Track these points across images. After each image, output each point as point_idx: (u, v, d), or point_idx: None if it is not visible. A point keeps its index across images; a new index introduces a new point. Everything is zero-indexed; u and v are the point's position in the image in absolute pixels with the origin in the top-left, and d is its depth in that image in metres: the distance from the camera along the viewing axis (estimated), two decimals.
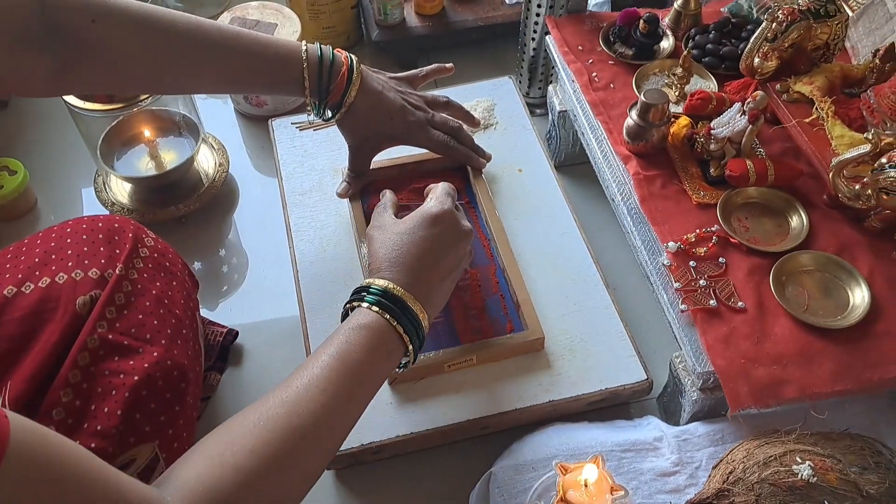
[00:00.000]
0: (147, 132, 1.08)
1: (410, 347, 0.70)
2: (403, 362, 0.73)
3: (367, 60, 1.35)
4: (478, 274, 0.93)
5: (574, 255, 0.96)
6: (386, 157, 0.99)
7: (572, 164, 1.16)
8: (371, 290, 0.71)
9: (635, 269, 1.01)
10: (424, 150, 0.99)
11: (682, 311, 0.78)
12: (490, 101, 1.13)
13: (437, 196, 0.80)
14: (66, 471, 0.46)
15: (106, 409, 0.71)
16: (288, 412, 0.60)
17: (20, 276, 0.74)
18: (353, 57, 0.87)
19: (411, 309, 0.70)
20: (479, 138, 1.07)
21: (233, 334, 0.97)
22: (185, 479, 0.55)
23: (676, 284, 0.80)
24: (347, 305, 0.72)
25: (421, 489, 0.85)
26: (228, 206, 1.16)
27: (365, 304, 0.70)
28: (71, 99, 1.00)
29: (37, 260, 0.76)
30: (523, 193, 1.03)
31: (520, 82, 1.25)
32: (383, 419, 0.83)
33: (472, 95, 1.14)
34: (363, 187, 1.00)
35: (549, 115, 1.14)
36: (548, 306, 0.91)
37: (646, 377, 0.85)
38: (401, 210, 0.85)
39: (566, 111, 1.08)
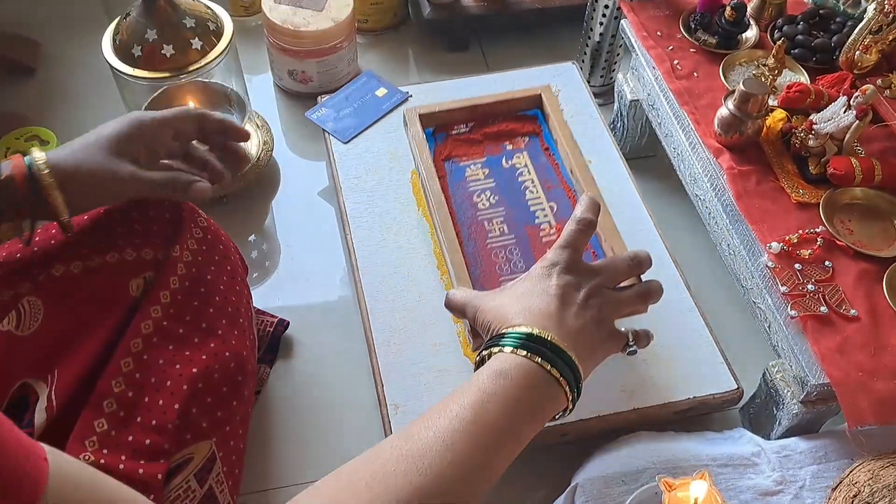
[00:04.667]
0: (192, 104, 1.00)
1: (569, 395, 0.58)
2: (559, 416, 0.60)
3: (416, 42, 1.28)
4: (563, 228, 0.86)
5: (650, 253, 0.90)
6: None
7: (637, 157, 1.10)
8: (510, 334, 0.59)
9: (713, 270, 0.95)
10: (494, 92, 0.97)
11: (792, 318, 0.72)
12: (554, 87, 1.07)
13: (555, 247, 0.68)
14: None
15: (161, 402, 0.65)
16: (407, 470, 0.50)
17: (67, 255, 0.67)
18: (33, 157, 0.62)
19: (564, 351, 0.58)
20: None
21: (284, 324, 0.90)
22: None
23: (783, 288, 0.74)
24: (479, 356, 0.61)
25: (496, 502, 0.79)
26: (272, 188, 1.09)
27: (506, 348, 0.58)
28: (118, 65, 0.93)
29: (86, 239, 0.69)
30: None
31: (580, 69, 1.18)
32: None
33: (534, 80, 1.08)
34: (435, 128, 0.95)
35: (616, 104, 1.08)
36: None
37: (736, 386, 0.79)
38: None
39: (638, 101, 1.02)
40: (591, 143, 1.01)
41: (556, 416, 0.60)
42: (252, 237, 1.03)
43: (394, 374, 0.80)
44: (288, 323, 0.91)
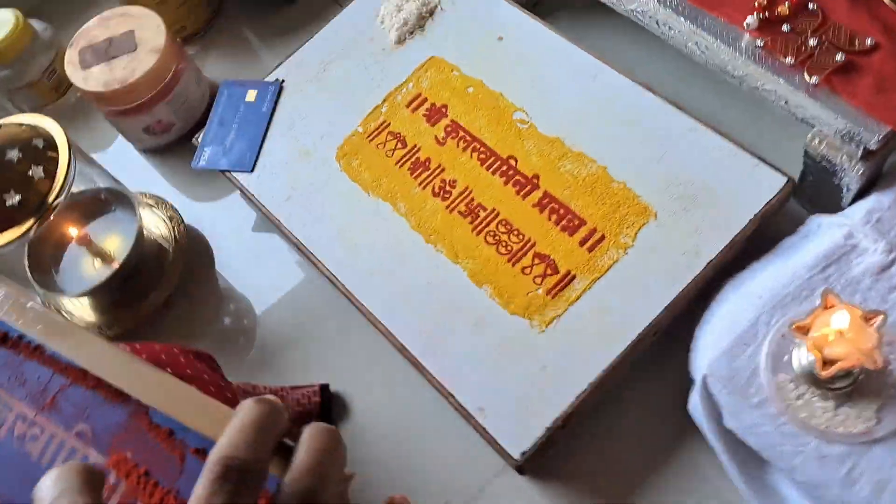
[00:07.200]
0: (72, 230, 0.85)
1: None
2: None
3: (247, 19, 1.11)
4: None
5: (621, 97, 0.80)
6: None
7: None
8: None
9: (690, 77, 0.85)
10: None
11: (815, 86, 0.63)
12: None
13: None
14: None
15: None
16: None
17: None
18: None
19: None
20: (423, 39, 0.88)
21: (325, 388, 0.79)
22: None
23: (789, 60, 0.64)
24: None
25: (625, 428, 0.72)
26: (207, 257, 0.95)
27: None
28: None
29: None
30: (520, 59, 0.85)
31: None
32: (547, 391, 0.68)
33: None
34: None
35: None
36: (630, 167, 0.75)
37: (786, 178, 0.71)
38: None
39: None
40: (495, 19, 0.88)
41: None
42: (226, 319, 0.90)
43: (455, 376, 0.70)
44: (328, 385, 0.80)
